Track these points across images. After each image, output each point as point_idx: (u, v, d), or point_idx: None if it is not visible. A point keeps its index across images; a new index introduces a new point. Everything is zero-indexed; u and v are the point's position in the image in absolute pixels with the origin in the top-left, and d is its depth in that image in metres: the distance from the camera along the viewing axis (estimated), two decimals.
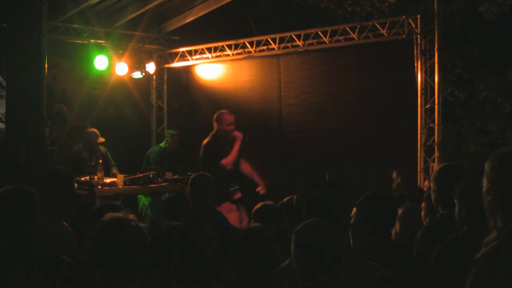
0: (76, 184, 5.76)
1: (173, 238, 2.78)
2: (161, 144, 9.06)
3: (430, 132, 7.30)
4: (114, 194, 6.84)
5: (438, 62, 7.12)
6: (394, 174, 7.18)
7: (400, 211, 3.80)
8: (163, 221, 5.82)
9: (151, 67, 9.65)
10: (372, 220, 3.04)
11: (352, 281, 2.51)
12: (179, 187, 7.21)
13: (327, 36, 8.21)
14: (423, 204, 3.82)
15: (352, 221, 3.08)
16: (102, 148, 8.22)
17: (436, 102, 7.17)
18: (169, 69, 10.20)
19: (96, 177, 7.01)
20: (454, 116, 12.74)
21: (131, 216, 2.43)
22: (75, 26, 8.80)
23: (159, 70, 10.13)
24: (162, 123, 10.31)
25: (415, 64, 7.38)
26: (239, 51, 9.14)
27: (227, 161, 6.46)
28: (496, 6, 11.11)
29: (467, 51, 12.18)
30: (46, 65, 7.91)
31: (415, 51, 7.37)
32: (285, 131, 8.76)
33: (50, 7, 7.83)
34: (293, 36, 8.50)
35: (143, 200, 8.52)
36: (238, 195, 6.62)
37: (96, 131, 8.18)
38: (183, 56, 9.88)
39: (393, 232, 3.46)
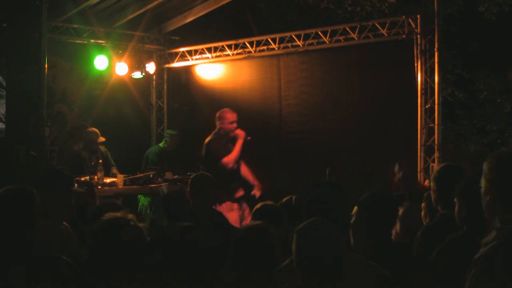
0: (76, 184, 5.76)
1: (174, 238, 2.78)
2: (160, 144, 9.06)
3: (430, 132, 7.30)
4: (114, 194, 6.84)
5: (438, 62, 7.12)
6: (396, 167, 7.18)
7: (400, 211, 3.80)
8: (163, 221, 5.82)
9: (151, 67, 9.65)
10: (372, 220, 3.04)
11: (352, 281, 2.51)
12: (179, 187, 7.21)
13: (327, 36, 8.21)
14: (423, 204, 3.82)
15: (352, 220, 3.08)
16: (102, 147, 8.23)
17: (436, 102, 7.17)
18: (169, 69, 10.20)
19: (96, 177, 7.02)
20: (454, 116, 12.75)
21: (130, 216, 2.43)
22: (75, 26, 8.80)
23: (159, 70, 10.13)
24: (162, 123, 10.31)
25: (415, 64, 7.38)
26: (239, 51, 9.14)
27: (229, 159, 6.43)
28: (496, 6, 11.12)
29: (467, 51, 12.19)
30: (46, 65, 7.90)
31: (415, 51, 7.37)
32: (285, 131, 8.75)
33: (50, 7, 7.83)
34: (293, 36, 8.50)
35: (142, 201, 8.52)
36: (240, 193, 6.59)
37: (97, 130, 8.19)
38: (183, 56, 9.88)
39: (393, 232, 3.46)
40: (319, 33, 8.28)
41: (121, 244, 2.31)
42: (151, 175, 7.52)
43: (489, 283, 1.80)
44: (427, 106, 7.33)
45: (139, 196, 8.45)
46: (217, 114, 6.68)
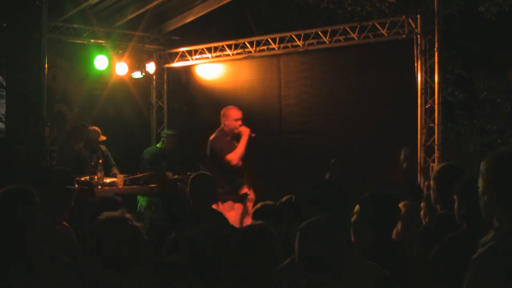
0: (76, 184, 5.76)
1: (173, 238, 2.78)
2: (158, 145, 9.07)
3: (430, 132, 7.29)
4: (114, 194, 6.84)
5: (438, 62, 7.12)
6: (402, 155, 7.10)
7: (402, 210, 3.79)
8: (163, 221, 5.82)
9: (151, 67, 9.65)
10: (372, 220, 3.05)
11: (352, 281, 2.51)
12: (179, 187, 7.20)
13: (327, 36, 8.21)
14: (422, 204, 3.83)
15: (353, 220, 3.08)
16: (102, 147, 8.23)
17: (436, 102, 7.17)
18: (169, 69, 10.20)
19: (96, 177, 7.02)
20: (454, 116, 12.75)
21: (128, 215, 2.43)
22: (75, 26, 8.80)
23: (159, 70, 10.13)
24: (162, 123, 10.30)
25: (415, 64, 7.37)
26: (239, 51, 9.14)
27: (234, 156, 6.40)
28: (496, 6, 11.12)
29: (467, 51, 12.19)
30: (46, 65, 7.90)
31: (415, 51, 7.37)
32: (285, 131, 8.75)
33: (50, 7, 7.82)
34: (293, 36, 8.50)
35: (141, 201, 8.51)
36: (245, 190, 6.55)
37: (98, 129, 8.20)
38: (183, 56, 9.88)
39: (394, 231, 3.46)
40: (319, 33, 8.27)
41: (117, 244, 2.31)
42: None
43: (487, 283, 1.80)
44: (427, 106, 7.33)
45: (138, 196, 8.45)
46: (222, 111, 6.66)
